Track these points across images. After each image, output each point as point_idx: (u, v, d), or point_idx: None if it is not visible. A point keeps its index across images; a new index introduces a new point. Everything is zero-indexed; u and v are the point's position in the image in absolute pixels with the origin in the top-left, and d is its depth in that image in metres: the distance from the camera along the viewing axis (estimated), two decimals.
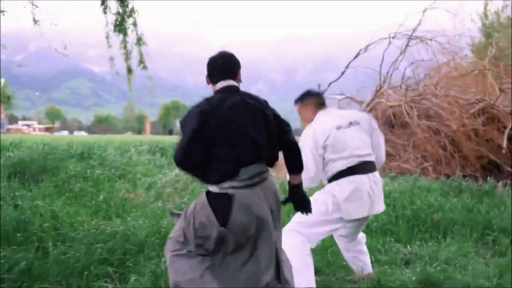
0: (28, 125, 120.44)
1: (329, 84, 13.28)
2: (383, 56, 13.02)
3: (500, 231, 6.06)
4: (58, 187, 6.23)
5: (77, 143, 14.45)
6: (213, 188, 2.94)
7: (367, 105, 12.66)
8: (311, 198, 3.42)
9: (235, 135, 2.93)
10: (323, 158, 3.94)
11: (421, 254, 5.13)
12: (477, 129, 10.92)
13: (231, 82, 3.09)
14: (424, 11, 12.83)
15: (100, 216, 5.18)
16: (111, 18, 8.34)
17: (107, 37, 8.58)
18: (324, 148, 3.93)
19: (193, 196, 6.30)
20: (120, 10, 8.32)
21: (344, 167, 3.90)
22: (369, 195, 3.91)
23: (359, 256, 4.41)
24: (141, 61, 8.66)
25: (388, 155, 10.98)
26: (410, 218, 6.30)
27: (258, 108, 3.03)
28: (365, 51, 12.99)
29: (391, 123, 11.92)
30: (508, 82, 11.81)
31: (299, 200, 3.23)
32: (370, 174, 3.96)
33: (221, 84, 3.09)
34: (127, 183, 6.61)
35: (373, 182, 3.96)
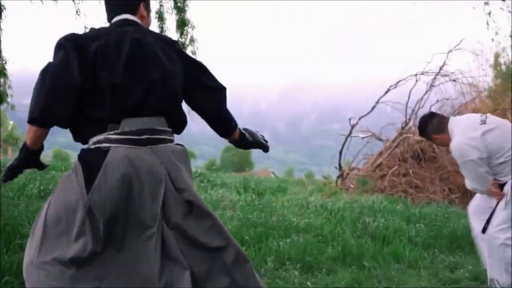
0: None
1: (360, 118, 13.80)
2: (409, 93, 13.54)
3: None
4: None
5: None
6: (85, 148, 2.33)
7: (393, 141, 13.11)
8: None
9: (117, 73, 2.26)
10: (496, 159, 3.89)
11: (464, 263, 5.52)
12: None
13: (127, 16, 2.51)
14: (449, 51, 13.41)
15: None
16: None
17: None
18: (490, 152, 3.88)
19: None
20: (181, 39, 8.92)
21: None
22: None
23: None
24: None
25: (416, 187, 11.42)
26: (448, 237, 6.65)
27: (160, 47, 2.41)
28: (395, 87, 13.53)
29: (418, 157, 12.31)
30: None
31: (251, 144, 2.75)
32: None
33: (114, 20, 2.52)
34: None
35: None
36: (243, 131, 2.71)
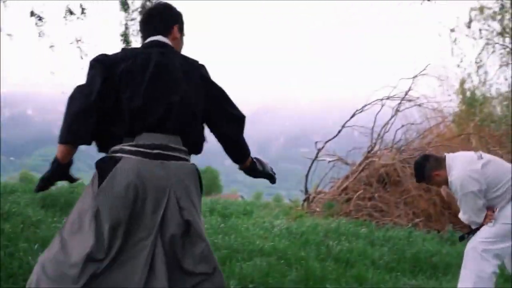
0: None
1: (326, 142, 13.91)
2: (375, 118, 13.74)
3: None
4: None
5: None
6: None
7: (359, 165, 13.24)
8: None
9: (138, 95, 2.39)
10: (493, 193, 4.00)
11: (425, 286, 5.55)
12: None
13: (158, 38, 2.61)
14: (415, 76, 13.67)
15: None
16: None
17: None
18: (488, 185, 3.98)
19: None
20: None
21: None
22: None
23: None
24: None
25: (380, 210, 11.51)
26: (411, 260, 6.70)
27: (184, 70, 2.52)
28: (360, 112, 13.71)
29: (383, 181, 12.43)
30: (493, 146, 12.54)
31: (260, 173, 2.87)
32: None
33: (146, 41, 2.65)
34: None
35: None
36: (254, 160, 2.82)
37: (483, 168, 3.99)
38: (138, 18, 9.05)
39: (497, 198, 4.02)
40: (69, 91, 2.41)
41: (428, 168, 4.27)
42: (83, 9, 8.67)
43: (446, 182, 4.17)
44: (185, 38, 2.81)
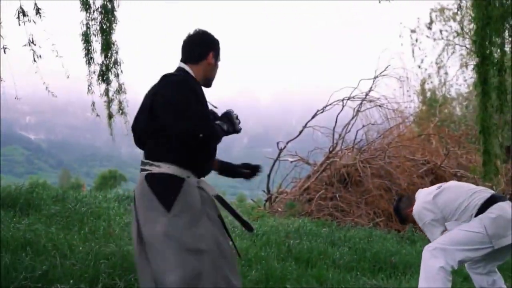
0: None
1: (287, 143, 13.92)
2: (336, 119, 13.82)
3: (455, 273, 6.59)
4: (47, 217, 6.50)
5: None
6: None
7: (321, 165, 13.29)
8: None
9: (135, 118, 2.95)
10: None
11: (384, 286, 5.58)
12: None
13: (180, 65, 2.96)
14: (375, 77, 13.80)
15: (92, 241, 5.43)
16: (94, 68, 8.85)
17: (89, 86, 9.05)
18: (443, 212, 4.24)
19: None
20: (105, 62, 8.83)
21: (483, 200, 4.16)
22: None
23: None
24: (120, 108, 9.09)
25: (342, 210, 11.56)
26: (371, 260, 6.73)
27: (153, 91, 2.85)
28: (321, 112, 13.77)
29: (345, 181, 12.50)
30: (453, 146, 12.78)
31: (233, 173, 3.32)
32: (507, 202, 4.23)
33: None
34: (103, 222, 6.83)
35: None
36: (224, 163, 3.29)
37: (435, 199, 4.29)
38: (99, 17, 8.94)
39: (461, 218, 4.21)
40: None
41: (402, 208, 4.66)
42: (38, 9, 8.47)
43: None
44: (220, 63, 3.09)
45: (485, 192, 4.25)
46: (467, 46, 18.23)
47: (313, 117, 13.90)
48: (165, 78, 2.85)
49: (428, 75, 20.74)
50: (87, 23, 8.96)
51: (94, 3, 8.90)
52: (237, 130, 2.94)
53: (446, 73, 20.45)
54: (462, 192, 4.30)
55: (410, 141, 13.14)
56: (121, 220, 7.02)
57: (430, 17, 19.19)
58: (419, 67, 20.21)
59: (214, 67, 2.99)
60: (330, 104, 13.76)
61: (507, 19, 7.44)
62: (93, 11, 8.90)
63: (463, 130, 15.00)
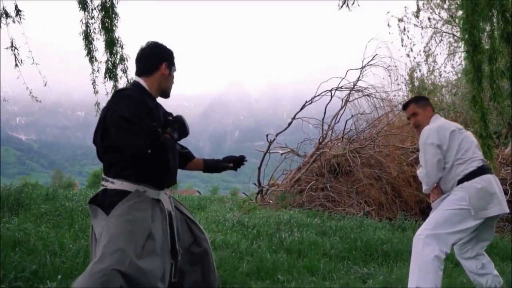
0: None
1: (277, 135, 13.92)
2: (325, 109, 13.83)
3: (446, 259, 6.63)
4: (37, 216, 6.51)
5: None
6: None
7: (311, 156, 13.30)
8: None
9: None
10: (444, 162, 4.18)
11: (376, 274, 5.61)
12: (415, 176, 11.65)
13: (135, 78, 3.06)
14: (363, 67, 13.81)
15: (82, 239, 5.43)
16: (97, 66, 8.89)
17: (93, 84, 9.07)
18: (448, 149, 4.17)
19: None
20: (110, 59, 8.84)
21: (474, 168, 4.11)
22: (498, 194, 4.11)
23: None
24: None
25: (333, 200, 11.58)
26: (363, 249, 6.75)
27: (107, 106, 2.90)
28: (310, 103, 13.78)
29: (335, 171, 12.53)
30: None
31: (218, 167, 3.49)
32: (493, 175, 4.21)
33: None
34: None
35: (496, 183, 4.18)
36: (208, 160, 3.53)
37: (453, 133, 4.19)
38: (100, 15, 8.94)
39: (449, 174, 4.17)
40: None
41: (421, 104, 4.50)
42: (18, 11, 8.42)
43: (417, 126, 4.45)
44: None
45: (477, 161, 4.20)
46: (455, 33, 18.25)
47: (301, 109, 13.92)
48: (117, 94, 2.94)
49: (417, 63, 20.76)
50: (87, 22, 8.98)
51: (91, 1, 8.93)
52: (187, 134, 3.04)
53: (434, 61, 20.48)
54: (469, 149, 4.23)
55: (399, 130, 13.17)
56: None
57: (417, 5, 19.18)
58: (408, 55, 20.23)
59: (169, 77, 3.09)
60: (318, 95, 13.78)
61: (494, 5, 7.44)
62: (92, 10, 8.93)
63: (452, 117, 15.00)
